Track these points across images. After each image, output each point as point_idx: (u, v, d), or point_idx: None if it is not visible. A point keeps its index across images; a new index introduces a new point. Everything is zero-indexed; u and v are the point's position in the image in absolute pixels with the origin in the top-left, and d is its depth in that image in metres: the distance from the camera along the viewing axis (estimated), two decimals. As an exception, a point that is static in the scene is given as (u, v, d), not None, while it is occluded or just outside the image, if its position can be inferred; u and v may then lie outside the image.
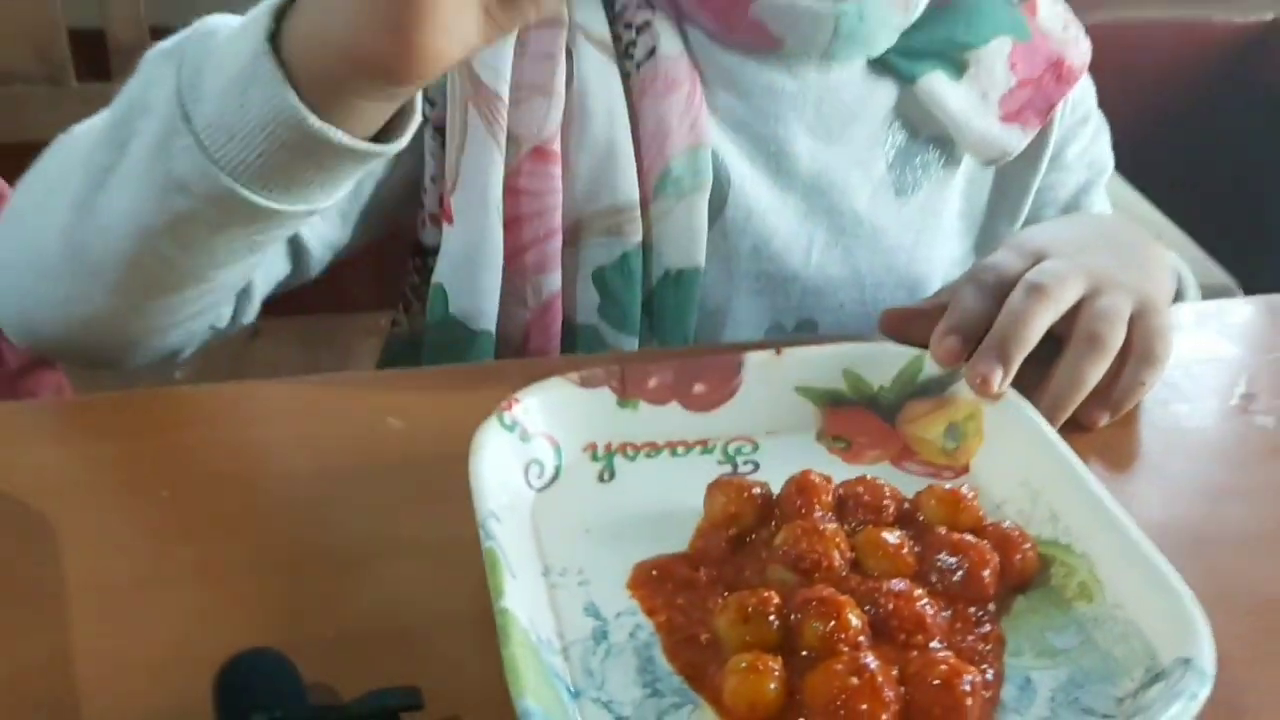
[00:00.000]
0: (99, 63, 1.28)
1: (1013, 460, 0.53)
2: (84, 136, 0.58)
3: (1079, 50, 0.75)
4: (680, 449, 0.55)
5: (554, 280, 0.70)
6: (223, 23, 0.54)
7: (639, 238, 0.69)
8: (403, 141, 0.54)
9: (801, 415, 0.57)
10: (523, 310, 0.71)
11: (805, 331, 0.75)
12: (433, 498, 0.50)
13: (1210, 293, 0.78)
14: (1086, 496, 0.49)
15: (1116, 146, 0.85)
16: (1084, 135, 0.80)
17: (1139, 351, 0.58)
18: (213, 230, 0.54)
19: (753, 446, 0.55)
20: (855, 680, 0.40)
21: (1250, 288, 1.04)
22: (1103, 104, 0.83)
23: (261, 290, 0.67)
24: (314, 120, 0.49)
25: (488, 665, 0.40)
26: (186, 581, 0.48)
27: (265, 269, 0.66)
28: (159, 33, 1.28)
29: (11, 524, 0.50)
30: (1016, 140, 0.74)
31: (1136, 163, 1.28)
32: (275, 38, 0.49)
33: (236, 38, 0.50)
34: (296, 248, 0.68)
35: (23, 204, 0.61)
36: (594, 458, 0.54)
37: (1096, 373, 0.56)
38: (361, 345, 1.22)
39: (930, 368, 0.57)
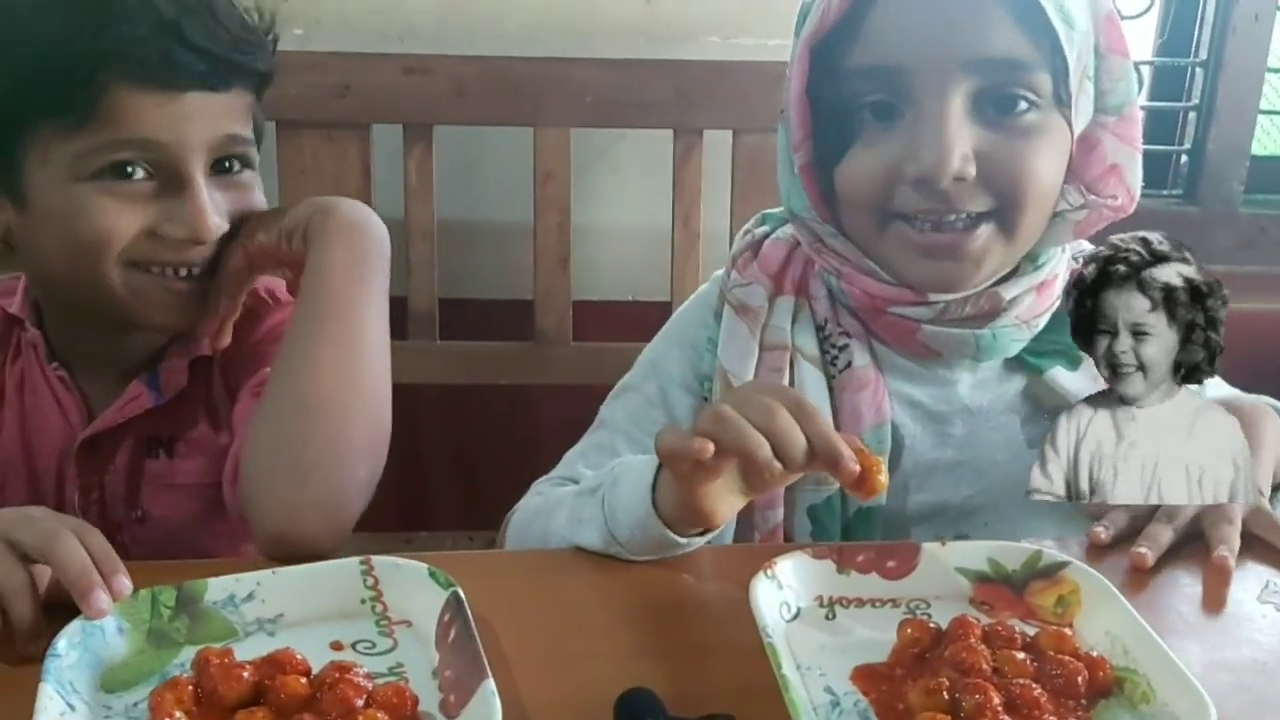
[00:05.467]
0: (397, 326, 1.50)
1: (1100, 620, 0.79)
2: (554, 516, 0.95)
3: None
4: (878, 603, 0.82)
5: (778, 514, 1.00)
6: (618, 475, 0.89)
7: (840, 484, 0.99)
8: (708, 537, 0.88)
9: (959, 587, 0.84)
10: (753, 534, 1.01)
11: None
12: (732, 614, 0.80)
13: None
14: (1146, 640, 0.75)
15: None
16: None
17: None
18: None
19: (926, 604, 0.83)
20: (997, 730, 0.67)
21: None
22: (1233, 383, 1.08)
23: None
24: (673, 536, 0.85)
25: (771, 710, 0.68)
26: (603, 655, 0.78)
27: None
28: (445, 303, 1.64)
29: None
30: None
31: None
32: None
33: (633, 508, 0.85)
34: None
35: (531, 524, 0.99)
36: (820, 605, 0.82)
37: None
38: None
39: (1046, 558, 0.84)
